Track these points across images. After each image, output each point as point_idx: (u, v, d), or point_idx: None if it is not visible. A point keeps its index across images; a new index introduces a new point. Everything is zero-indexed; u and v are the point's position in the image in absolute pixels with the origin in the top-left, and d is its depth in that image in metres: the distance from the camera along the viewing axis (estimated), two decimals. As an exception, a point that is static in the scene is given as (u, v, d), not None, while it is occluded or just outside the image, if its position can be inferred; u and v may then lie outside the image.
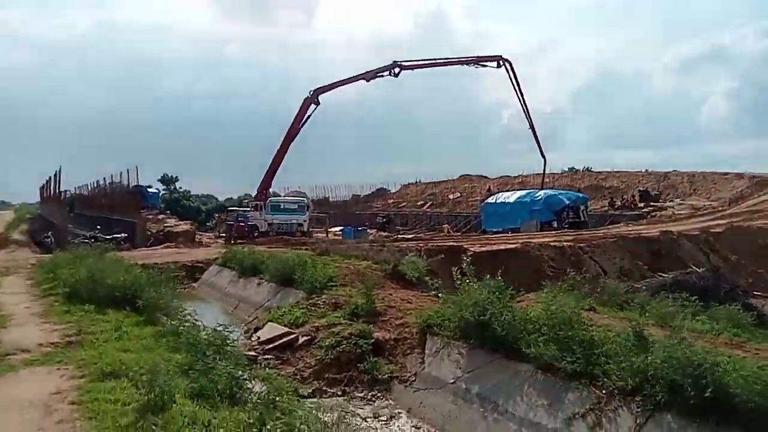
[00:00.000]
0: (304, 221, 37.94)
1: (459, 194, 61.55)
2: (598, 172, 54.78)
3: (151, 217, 41.96)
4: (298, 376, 9.34)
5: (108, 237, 27.59)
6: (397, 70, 41.20)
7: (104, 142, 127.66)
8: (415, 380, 9.05)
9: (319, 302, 12.43)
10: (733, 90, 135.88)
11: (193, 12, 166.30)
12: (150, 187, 55.46)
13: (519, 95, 43.45)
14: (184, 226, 38.13)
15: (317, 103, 39.39)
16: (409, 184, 72.85)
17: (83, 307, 10.46)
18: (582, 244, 24.68)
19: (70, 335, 8.73)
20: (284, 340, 10.45)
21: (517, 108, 44.04)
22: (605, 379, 6.97)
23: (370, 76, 41.18)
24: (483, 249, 23.14)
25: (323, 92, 40.02)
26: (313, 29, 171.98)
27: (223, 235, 40.82)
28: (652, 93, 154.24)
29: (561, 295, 9.63)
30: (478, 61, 44.12)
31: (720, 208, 37.33)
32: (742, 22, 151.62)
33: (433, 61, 45.51)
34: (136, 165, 37.11)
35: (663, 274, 21.23)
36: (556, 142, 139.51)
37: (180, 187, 68.41)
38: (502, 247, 23.51)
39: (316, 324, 11.04)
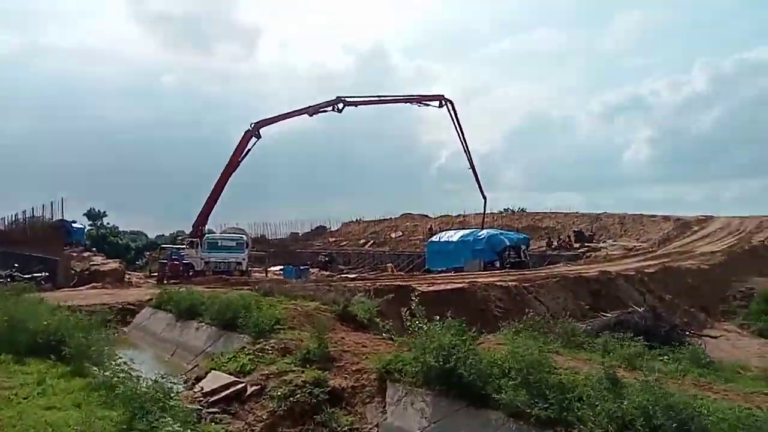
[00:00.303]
0: (243, 260, 36.55)
1: (401, 233, 61.69)
2: (535, 212, 56.58)
3: (75, 254, 39.21)
4: (248, 432, 8.50)
5: (27, 276, 25.39)
6: (340, 105, 41.13)
7: (23, 173, 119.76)
8: (377, 432, 8.43)
9: (267, 347, 11.59)
10: (652, 138, 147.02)
11: (128, 40, 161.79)
12: (74, 222, 52.14)
13: (460, 134, 44.35)
14: (113, 264, 35.80)
15: (258, 136, 38.45)
16: (350, 222, 72.41)
17: (-2, 357, 9.24)
18: (526, 284, 24.94)
19: (-19, 391, 7.58)
20: (231, 390, 9.56)
21: (454, 149, 45.35)
22: (581, 426, 6.67)
23: (313, 110, 40.84)
24: (430, 288, 22.89)
25: (264, 125, 39.26)
26: (253, 62, 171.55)
27: (155, 274, 38.68)
28: (579, 139, 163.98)
29: (522, 337, 9.40)
30: (421, 99, 44.94)
31: (650, 249, 39.10)
32: (658, 74, 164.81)
33: (378, 98, 45.96)
34: (61, 197, 34.87)
35: (605, 314, 21.74)
36: (491, 184, 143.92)
37: (108, 223, 64.98)
38: (449, 286, 23.36)
39: (266, 372, 10.23)
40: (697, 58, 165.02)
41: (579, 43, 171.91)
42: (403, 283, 23.97)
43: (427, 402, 8.26)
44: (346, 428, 8.56)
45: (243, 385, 9.74)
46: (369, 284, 23.08)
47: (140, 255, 61.13)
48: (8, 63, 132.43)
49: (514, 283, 24.58)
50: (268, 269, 43.39)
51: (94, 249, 47.37)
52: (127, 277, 35.32)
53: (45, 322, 10.00)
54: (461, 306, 19.87)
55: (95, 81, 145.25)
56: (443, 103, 44.56)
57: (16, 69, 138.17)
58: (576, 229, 47.82)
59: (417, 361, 8.61)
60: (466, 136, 44.84)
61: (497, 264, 34.30)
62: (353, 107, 42.92)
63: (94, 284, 28.94)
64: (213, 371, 10.91)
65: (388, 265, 41.47)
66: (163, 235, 77.46)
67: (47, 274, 27.35)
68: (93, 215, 63.00)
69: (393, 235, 61.43)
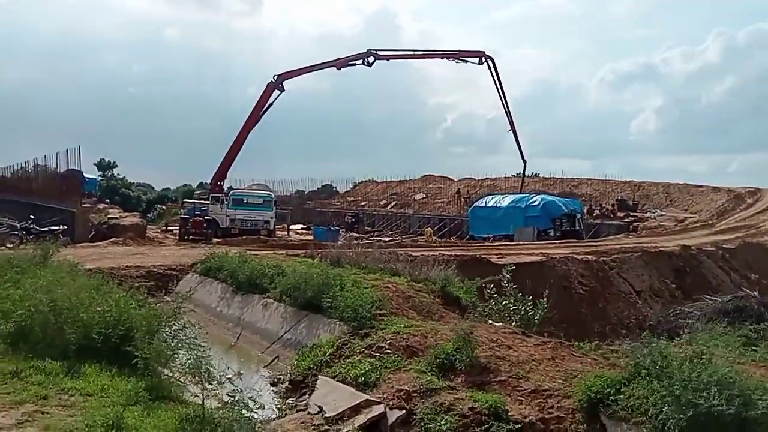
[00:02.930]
0: (271, 218, 33.96)
1: (424, 195, 58.74)
2: (571, 178, 53.36)
3: (89, 206, 36.44)
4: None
5: (43, 229, 22.59)
6: (371, 59, 38.90)
7: (24, 122, 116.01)
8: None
9: (383, 344, 8.75)
10: (661, 107, 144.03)
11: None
12: (85, 172, 49.18)
13: (501, 94, 41.35)
14: (132, 218, 33.07)
15: (282, 89, 36.43)
16: (368, 181, 69.33)
17: (42, 365, 6.38)
18: (605, 258, 22.19)
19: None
20: (367, 417, 6.80)
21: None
22: None
23: (341, 63, 38.75)
24: (502, 261, 20.10)
25: (288, 78, 36.92)
26: (257, 19, 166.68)
27: (173, 229, 36.23)
28: (587, 105, 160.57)
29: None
30: (460, 56, 41.87)
31: (709, 222, 36.19)
32: (670, 44, 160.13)
33: (412, 52, 43.05)
34: (78, 146, 31.77)
35: (712, 297, 18.95)
36: (496, 148, 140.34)
37: (117, 174, 61.94)
38: (526, 259, 20.55)
39: (402, 386, 7.40)
40: (712, 28, 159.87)
41: (589, 10, 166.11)
42: (473, 254, 21.19)
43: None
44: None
45: (381, 408, 6.96)
46: (436, 254, 20.17)
47: (151, 208, 58.66)
48: (5, 8, 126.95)
49: (593, 258, 21.83)
50: (290, 228, 41.03)
51: (108, 201, 44.64)
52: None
53: (103, 310, 7.13)
54: (541, 282, 17.21)
55: (96, 32, 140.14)
56: (483, 59, 41.56)
57: (15, 14, 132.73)
58: (619, 198, 44.85)
59: (668, 396, 5.78)
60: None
61: (551, 233, 31.43)
62: (385, 61, 40.17)
63: (114, 240, 26.25)
64: (322, 378, 8.14)
65: (426, 229, 38.57)
66: (168, 188, 74.71)
67: (65, 227, 24.51)
68: (104, 166, 59.89)
69: (417, 197, 58.46)
